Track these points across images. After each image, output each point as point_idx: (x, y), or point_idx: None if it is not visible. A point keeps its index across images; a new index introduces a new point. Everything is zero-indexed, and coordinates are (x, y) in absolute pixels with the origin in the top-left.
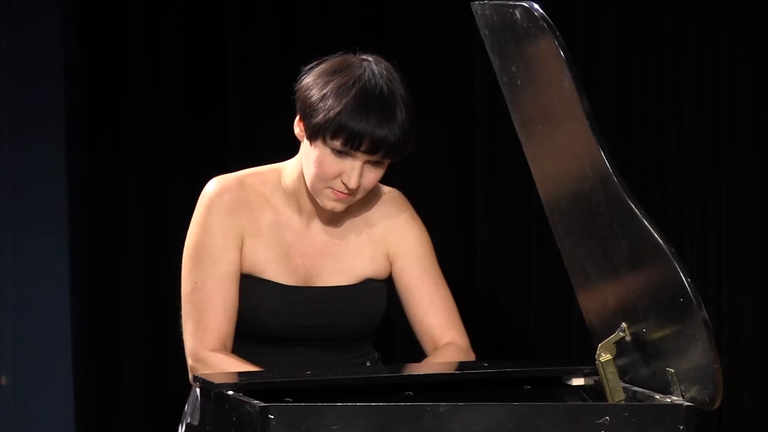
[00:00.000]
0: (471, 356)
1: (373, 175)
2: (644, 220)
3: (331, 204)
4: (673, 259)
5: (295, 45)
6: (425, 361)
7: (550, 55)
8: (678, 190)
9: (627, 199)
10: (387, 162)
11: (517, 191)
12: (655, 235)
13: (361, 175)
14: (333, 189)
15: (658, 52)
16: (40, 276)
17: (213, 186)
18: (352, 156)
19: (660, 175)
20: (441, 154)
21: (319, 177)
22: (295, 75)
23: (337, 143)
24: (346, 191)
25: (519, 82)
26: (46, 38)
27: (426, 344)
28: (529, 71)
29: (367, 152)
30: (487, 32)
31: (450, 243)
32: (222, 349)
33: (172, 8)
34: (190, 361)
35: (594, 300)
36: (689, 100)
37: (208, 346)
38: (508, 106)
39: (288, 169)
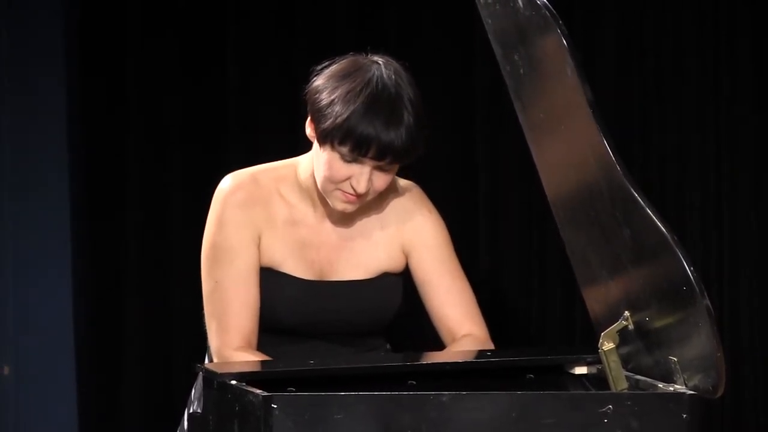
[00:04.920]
0: (490, 347)
1: (382, 179)
2: (647, 208)
3: (341, 205)
4: (675, 247)
5: (295, 44)
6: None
7: (552, 43)
8: (679, 186)
9: (629, 187)
10: (396, 166)
11: (519, 182)
12: (658, 223)
13: (370, 180)
14: (343, 191)
15: (657, 50)
16: (42, 267)
17: (227, 183)
18: (360, 161)
19: (661, 171)
20: (442, 145)
21: (329, 180)
22: (295, 73)
23: (344, 149)
24: (355, 194)
25: (522, 71)
26: (47, 37)
27: (444, 336)
28: (532, 60)
29: (375, 158)
30: (490, 21)
31: (451, 232)
32: (247, 347)
33: (172, 7)
34: (215, 360)
35: (596, 288)
36: (689, 96)
37: (233, 345)
38: (510, 95)
39: (303, 164)
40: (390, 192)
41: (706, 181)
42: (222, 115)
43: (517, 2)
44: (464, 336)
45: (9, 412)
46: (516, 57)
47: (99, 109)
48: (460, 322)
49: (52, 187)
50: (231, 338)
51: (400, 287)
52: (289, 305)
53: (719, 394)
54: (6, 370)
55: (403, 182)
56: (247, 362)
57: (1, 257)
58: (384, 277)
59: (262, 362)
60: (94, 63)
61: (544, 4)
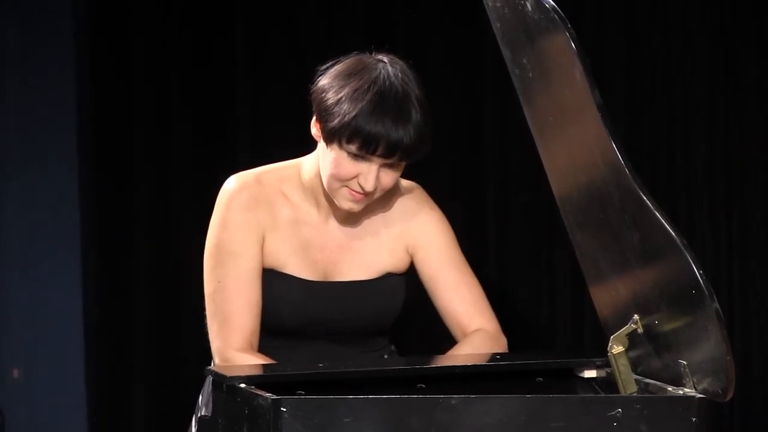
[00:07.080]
0: (501, 341)
1: (389, 176)
2: (656, 212)
3: (347, 204)
4: (684, 251)
5: (298, 41)
6: (452, 350)
7: (561, 47)
8: (688, 179)
9: (638, 191)
10: (404, 163)
11: (528, 184)
12: (667, 226)
13: (377, 178)
14: (350, 189)
15: (666, 40)
16: (51, 270)
17: (231, 183)
18: (368, 159)
19: (669, 163)
20: (449, 147)
21: (336, 178)
22: (302, 74)
23: (353, 147)
24: (362, 192)
25: (531, 75)
26: (53, 28)
27: (455, 332)
28: (541, 63)
29: (383, 156)
30: (499, 25)
31: (460, 236)
32: (248, 348)
33: (175, 7)
34: (217, 361)
35: (606, 292)
36: (697, 88)
37: (235, 346)
38: (519, 99)
39: (307, 165)
40: (393, 192)
41: (714, 183)
42: (229, 107)
43: (526, 5)
44: (475, 331)
45: (19, 413)
46: (525, 60)
47: (106, 106)
48: (470, 317)
49: (60, 187)
50: (233, 339)
51: (403, 287)
52: (293, 306)
53: (729, 397)
54: (16, 373)
55: (405, 183)
56: (256, 365)
57: (10, 259)
58: (387, 278)
59: (272, 365)
60: (101, 60)
61: (553, 6)
